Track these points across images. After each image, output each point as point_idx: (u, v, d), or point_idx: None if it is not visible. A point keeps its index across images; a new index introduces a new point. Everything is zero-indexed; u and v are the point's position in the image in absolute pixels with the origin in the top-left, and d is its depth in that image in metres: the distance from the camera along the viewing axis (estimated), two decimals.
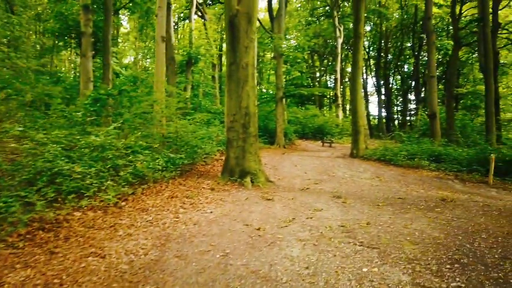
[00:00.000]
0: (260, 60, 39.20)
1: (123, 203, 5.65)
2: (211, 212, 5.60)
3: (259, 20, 29.30)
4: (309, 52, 39.58)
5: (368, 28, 36.47)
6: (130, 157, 6.56)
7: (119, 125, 7.43)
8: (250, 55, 8.44)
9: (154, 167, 7.12)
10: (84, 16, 12.26)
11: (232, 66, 8.49)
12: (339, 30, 29.48)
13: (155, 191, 6.66)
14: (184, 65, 22.82)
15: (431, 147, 14.02)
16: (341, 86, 38.63)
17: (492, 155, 10.35)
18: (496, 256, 3.77)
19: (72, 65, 32.79)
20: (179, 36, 33.02)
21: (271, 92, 30.34)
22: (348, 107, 42.69)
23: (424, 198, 7.26)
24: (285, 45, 19.34)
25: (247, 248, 4.01)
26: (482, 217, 5.54)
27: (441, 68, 29.43)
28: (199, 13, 25.63)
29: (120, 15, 24.93)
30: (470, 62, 27.03)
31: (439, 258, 3.68)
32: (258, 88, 30.55)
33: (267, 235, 4.52)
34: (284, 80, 28.35)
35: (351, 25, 31.85)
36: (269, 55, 39.01)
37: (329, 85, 41.88)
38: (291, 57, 21.28)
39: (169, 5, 18.55)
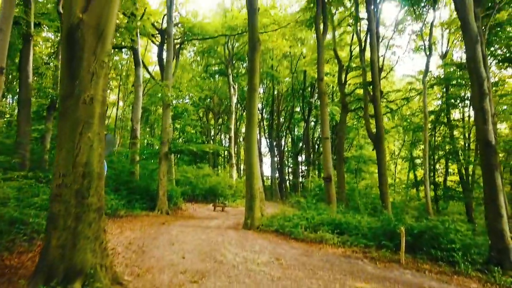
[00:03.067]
0: (151, 113, 36.06)
1: None
2: None
3: (148, 71, 26.74)
4: (204, 109, 38.18)
5: (261, 90, 37.08)
6: None
7: None
8: (98, 87, 5.57)
9: None
10: None
11: (67, 100, 5.44)
12: (234, 88, 28.80)
13: None
14: (45, 110, 18.34)
15: (331, 215, 12.58)
16: (236, 146, 37.57)
17: (401, 227, 9.05)
18: None
19: None
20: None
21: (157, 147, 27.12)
22: (242, 167, 41.60)
23: None
24: (173, 95, 16.93)
25: None
26: None
27: (329, 132, 30.66)
28: None
29: None
30: (355, 127, 28.59)
31: None
32: (143, 141, 26.94)
33: None
34: (174, 135, 25.59)
35: (246, 87, 31.74)
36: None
37: (224, 144, 40.57)
38: (179, 108, 18.90)
39: (28, 36, 14.69)
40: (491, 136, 9.45)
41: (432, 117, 21.21)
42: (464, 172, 21.05)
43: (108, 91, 32.86)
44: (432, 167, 21.92)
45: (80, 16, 5.47)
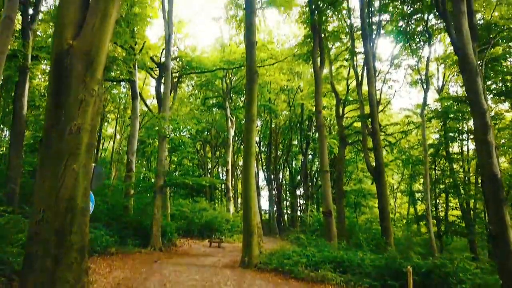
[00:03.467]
0: (148, 145, 35.72)
1: None
2: None
3: (145, 104, 26.82)
4: (201, 141, 37.99)
5: (258, 123, 37.13)
6: None
7: None
8: (87, 116, 5.28)
9: None
10: None
11: (52, 129, 5.13)
12: (231, 120, 28.79)
13: None
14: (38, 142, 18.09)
15: (332, 252, 11.96)
16: (233, 179, 37.02)
17: (409, 266, 8.49)
18: None
19: None
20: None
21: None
22: (239, 200, 40.74)
23: None
24: (170, 127, 16.75)
25: None
26: None
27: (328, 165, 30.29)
28: None
29: None
30: (353, 161, 28.30)
31: None
32: (139, 175, 26.35)
33: None
34: (170, 168, 25.15)
35: (243, 120, 31.80)
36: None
37: (221, 177, 40.01)
38: (176, 141, 18.66)
39: (25, 69, 14.58)
40: (497, 170, 9.15)
41: (432, 150, 21.03)
42: (465, 207, 20.53)
43: (106, 123, 32.80)
44: (433, 202, 21.44)
45: (70, 43, 5.28)
